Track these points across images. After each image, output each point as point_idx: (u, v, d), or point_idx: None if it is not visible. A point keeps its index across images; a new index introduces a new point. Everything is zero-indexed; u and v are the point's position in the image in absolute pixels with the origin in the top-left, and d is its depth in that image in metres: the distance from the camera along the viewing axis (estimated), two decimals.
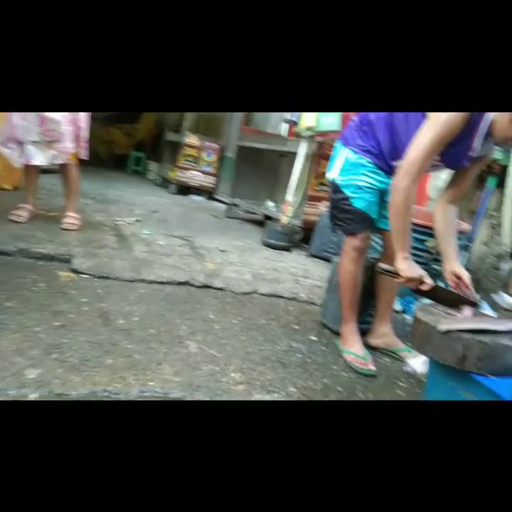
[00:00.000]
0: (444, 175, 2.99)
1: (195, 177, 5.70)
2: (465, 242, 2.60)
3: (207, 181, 5.74)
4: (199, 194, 5.79)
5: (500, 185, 2.92)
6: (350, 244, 1.74)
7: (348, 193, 1.71)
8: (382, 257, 1.86)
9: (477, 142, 1.42)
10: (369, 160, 1.66)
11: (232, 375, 1.45)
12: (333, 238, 3.20)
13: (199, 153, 5.68)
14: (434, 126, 1.35)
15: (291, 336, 1.86)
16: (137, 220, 3.27)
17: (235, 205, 4.45)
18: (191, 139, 5.64)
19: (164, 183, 6.13)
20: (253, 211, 4.35)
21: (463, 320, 1.33)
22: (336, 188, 1.75)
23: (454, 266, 1.54)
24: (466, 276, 1.50)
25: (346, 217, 1.73)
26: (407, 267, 1.45)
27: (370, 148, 1.65)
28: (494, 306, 2.51)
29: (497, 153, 2.67)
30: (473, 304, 1.48)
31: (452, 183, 1.65)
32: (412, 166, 1.38)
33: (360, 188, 1.69)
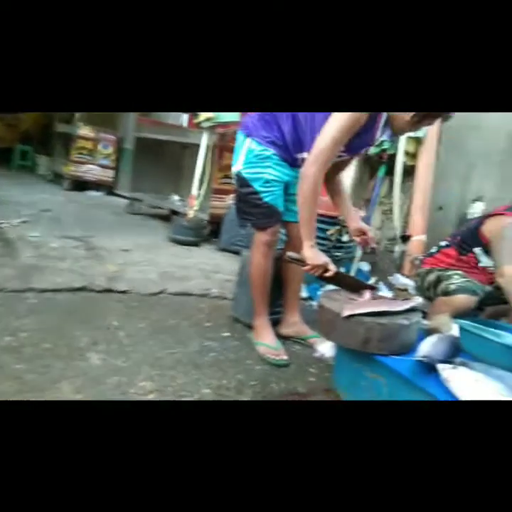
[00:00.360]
0: (351, 172, 3.15)
1: (91, 171, 5.31)
2: None
3: (105, 175, 5.39)
4: (97, 189, 5.41)
5: (390, 173, 3.16)
6: (261, 238, 1.71)
7: (257, 187, 1.66)
8: (286, 247, 1.88)
9: (379, 133, 1.50)
10: (274, 152, 1.62)
11: (141, 384, 1.35)
12: (241, 231, 3.19)
13: (94, 146, 5.29)
14: (342, 116, 1.37)
15: (203, 334, 1.81)
16: (24, 221, 2.94)
17: (138, 200, 4.23)
18: (85, 131, 5.24)
19: (57, 178, 5.62)
20: (158, 206, 4.18)
21: (363, 304, 1.39)
22: (243, 182, 1.69)
23: (356, 223, 1.69)
24: (367, 229, 1.67)
25: (256, 211, 1.69)
26: (313, 255, 1.48)
27: (275, 139, 1.62)
28: (390, 286, 2.72)
29: (385, 143, 2.88)
30: (372, 288, 1.57)
31: (334, 166, 1.69)
32: (320, 155, 1.41)
33: (267, 181, 1.65)
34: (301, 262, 1.52)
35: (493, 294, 2.01)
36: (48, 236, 2.68)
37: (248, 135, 1.66)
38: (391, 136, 1.59)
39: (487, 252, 1.91)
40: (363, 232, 1.67)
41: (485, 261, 1.94)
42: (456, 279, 1.88)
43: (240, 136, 1.71)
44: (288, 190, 1.76)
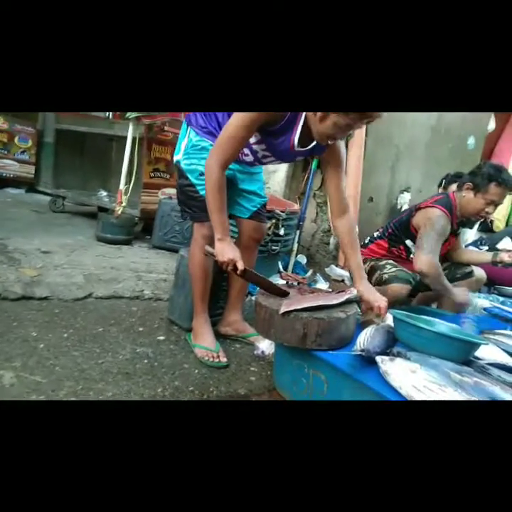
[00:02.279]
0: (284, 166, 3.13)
1: (8, 167, 4.83)
2: (296, 221, 2.77)
3: (24, 171, 4.93)
4: (17, 186, 4.95)
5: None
6: (199, 232, 1.64)
7: (192, 179, 1.59)
8: (237, 243, 1.81)
9: (296, 139, 1.39)
10: (211, 143, 1.54)
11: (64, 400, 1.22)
12: (175, 227, 3.06)
13: (10, 139, 4.82)
14: (241, 113, 1.32)
15: (135, 340, 1.68)
16: None
17: (61, 196, 3.92)
18: None
19: None
20: (84, 203, 3.90)
21: (300, 299, 1.35)
22: (181, 173, 1.63)
23: (368, 292, 1.48)
24: (379, 302, 1.42)
25: (193, 204, 1.62)
26: (219, 250, 1.40)
27: (212, 129, 1.55)
28: (327, 278, 2.75)
29: None
30: (284, 294, 1.44)
31: (329, 197, 1.63)
32: (218, 147, 1.37)
33: (202, 174, 1.54)
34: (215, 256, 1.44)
35: (424, 282, 2.09)
36: None
37: (189, 124, 1.60)
38: (319, 148, 1.46)
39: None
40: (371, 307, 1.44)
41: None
42: (389, 268, 1.92)
43: (183, 125, 1.64)
44: (238, 185, 1.71)
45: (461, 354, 1.20)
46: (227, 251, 1.39)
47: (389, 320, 1.41)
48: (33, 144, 4.99)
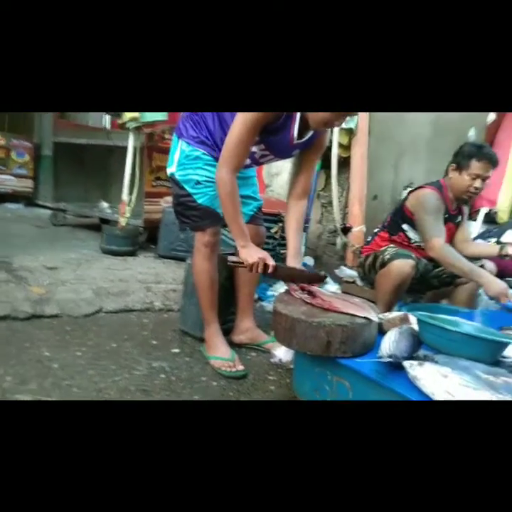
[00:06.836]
0: (279, 162, 3.11)
1: (5, 182, 4.82)
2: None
3: (22, 185, 4.91)
4: (16, 201, 4.93)
5: (324, 166, 3.17)
6: (201, 240, 1.64)
7: (188, 189, 1.60)
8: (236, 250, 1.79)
9: (295, 132, 1.45)
10: (203, 152, 1.58)
11: None
12: (180, 236, 3.03)
13: (7, 154, 4.80)
14: (244, 116, 1.35)
15: (150, 354, 1.65)
16: None
17: (61, 210, 3.89)
18: None
19: None
20: (86, 215, 3.87)
21: (342, 305, 1.32)
22: (176, 184, 1.64)
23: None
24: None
25: (191, 214, 1.63)
26: (246, 254, 1.43)
27: (204, 139, 1.58)
28: (337, 279, 2.72)
29: None
30: (319, 278, 1.52)
31: (294, 178, 1.68)
32: (227, 156, 1.40)
33: (198, 182, 1.59)
34: (242, 263, 1.44)
35: (430, 272, 2.06)
36: None
37: (179, 136, 1.62)
38: (314, 136, 1.52)
39: (413, 226, 2.00)
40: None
41: (414, 237, 2.03)
42: (390, 250, 1.93)
43: (174, 138, 1.65)
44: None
45: (491, 354, 1.17)
46: (254, 253, 1.42)
47: (412, 323, 1.38)
48: (30, 159, 4.97)
